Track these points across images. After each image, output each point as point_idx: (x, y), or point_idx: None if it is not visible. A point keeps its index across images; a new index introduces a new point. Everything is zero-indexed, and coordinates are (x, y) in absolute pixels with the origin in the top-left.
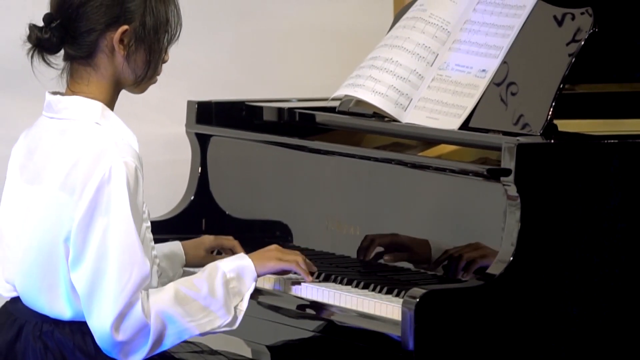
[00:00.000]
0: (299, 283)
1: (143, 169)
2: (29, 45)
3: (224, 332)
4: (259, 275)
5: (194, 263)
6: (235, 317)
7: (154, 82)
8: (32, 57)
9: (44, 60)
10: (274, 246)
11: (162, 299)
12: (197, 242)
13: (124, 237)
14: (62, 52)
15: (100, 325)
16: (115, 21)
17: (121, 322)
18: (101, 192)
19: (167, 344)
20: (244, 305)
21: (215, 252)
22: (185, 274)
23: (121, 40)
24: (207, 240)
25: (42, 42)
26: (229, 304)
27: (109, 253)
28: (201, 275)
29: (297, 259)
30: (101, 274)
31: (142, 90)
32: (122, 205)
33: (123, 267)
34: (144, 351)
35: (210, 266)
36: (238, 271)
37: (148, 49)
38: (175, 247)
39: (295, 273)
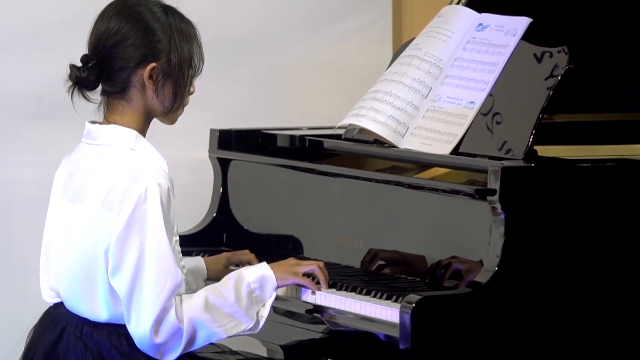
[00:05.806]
0: (311, 290)
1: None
2: (69, 83)
3: (247, 335)
4: (278, 286)
5: (214, 277)
6: (257, 322)
7: (181, 114)
8: (72, 93)
9: (83, 96)
10: (293, 261)
11: (193, 306)
12: (217, 258)
13: (159, 250)
14: (99, 87)
15: (140, 329)
16: (144, 59)
17: (159, 326)
18: (138, 210)
19: (198, 344)
20: (265, 312)
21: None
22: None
23: (150, 76)
24: (226, 256)
25: (81, 80)
26: (251, 311)
27: (145, 265)
28: (228, 284)
29: (314, 270)
30: (139, 284)
31: (172, 121)
32: (157, 221)
33: (158, 277)
34: (178, 351)
35: (236, 275)
36: (261, 281)
37: (174, 82)
38: (198, 262)
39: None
